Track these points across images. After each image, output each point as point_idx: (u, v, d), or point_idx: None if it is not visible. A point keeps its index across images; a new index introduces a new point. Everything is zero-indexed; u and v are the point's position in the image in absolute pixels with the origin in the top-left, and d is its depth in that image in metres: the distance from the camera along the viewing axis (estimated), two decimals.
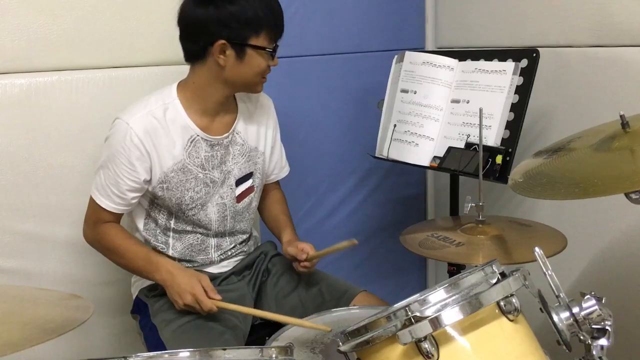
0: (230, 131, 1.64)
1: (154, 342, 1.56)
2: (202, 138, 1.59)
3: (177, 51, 1.58)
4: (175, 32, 1.56)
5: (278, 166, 1.83)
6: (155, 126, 1.53)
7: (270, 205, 1.85)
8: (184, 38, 1.55)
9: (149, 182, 1.56)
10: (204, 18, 1.49)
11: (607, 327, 0.97)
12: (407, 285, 2.61)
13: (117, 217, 1.61)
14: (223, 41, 1.49)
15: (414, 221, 1.81)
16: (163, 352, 0.91)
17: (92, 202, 1.59)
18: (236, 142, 1.66)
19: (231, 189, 1.67)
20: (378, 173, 2.48)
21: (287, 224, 1.78)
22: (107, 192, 1.55)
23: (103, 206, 1.56)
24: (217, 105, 1.60)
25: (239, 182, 1.68)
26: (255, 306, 1.72)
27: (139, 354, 0.87)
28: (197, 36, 1.51)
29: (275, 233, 1.81)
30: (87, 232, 1.64)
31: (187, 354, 0.89)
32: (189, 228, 1.65)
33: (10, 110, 1.72)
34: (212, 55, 1.51)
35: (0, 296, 0.96)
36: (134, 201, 1.58)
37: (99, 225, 1.60)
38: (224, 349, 0.91)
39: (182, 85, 1.60)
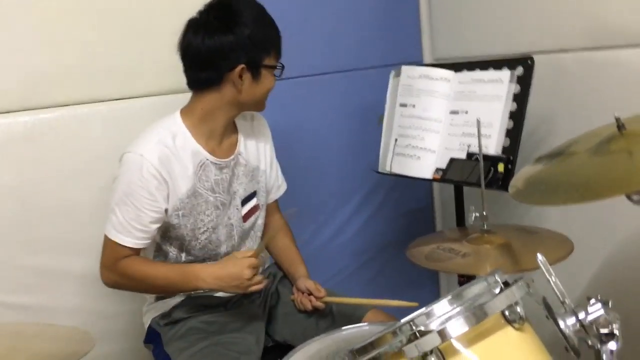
0: (235, 153, 1.66)
1: None
2: (211, 162, 1.60)
3: (178, 79, 1.60)
4: (175, 61, 1.57)
5: (275, 185, 1.83)
6: (167, 154, 1.53)
7: (278, 236, 1.82)
8: (195, 69, 1.55)
9: (166, 211, 1.55)
10: (220, 46, 1.49)
11: (614, 331, 0.95)
12: (420, 299, 2.58)
13: (137, 253, 1.58)
14: (242, 65, 1.51)
15: (422, 234, 1.81)
16: None
17: (111, 244, 1.53)
18: (240, 163, 1.68)
19: (237, 209, 1.68)
20: (384, 188, 2.48)
21: (301, 260, 1.78)
22: (128, 229, 1.52)
23: (125, 244, 1.52)
24: (223, 128, 1.61)
25: (244, 201, 1.69)
26: (267, 328, 1.72)
27: None
28: (212, 65, 1.51)
29: (285, 266, 1.80)
30: (107, 275, 1.57)
31: None
32: (198, 262, 1.64)
33: (17, 147, 1.74)
34: (229, 80, 1.52)
35: (8, 334, 0.96)
36: (155, 232, 1.57)
37: (118, 263, 1.55)
38: None
39: (185, 112, 1.60)
